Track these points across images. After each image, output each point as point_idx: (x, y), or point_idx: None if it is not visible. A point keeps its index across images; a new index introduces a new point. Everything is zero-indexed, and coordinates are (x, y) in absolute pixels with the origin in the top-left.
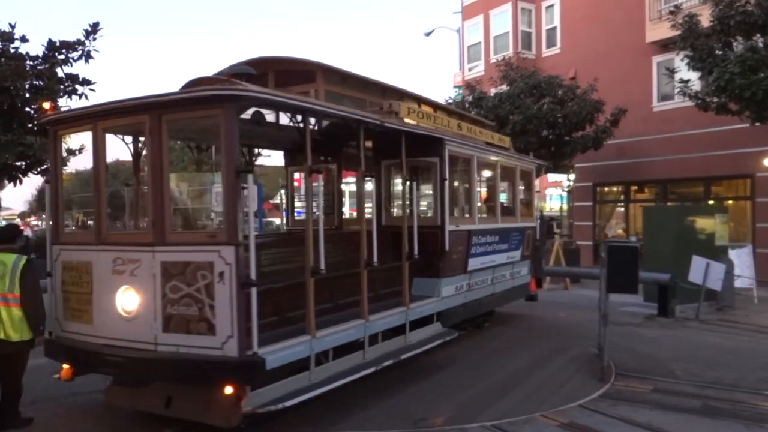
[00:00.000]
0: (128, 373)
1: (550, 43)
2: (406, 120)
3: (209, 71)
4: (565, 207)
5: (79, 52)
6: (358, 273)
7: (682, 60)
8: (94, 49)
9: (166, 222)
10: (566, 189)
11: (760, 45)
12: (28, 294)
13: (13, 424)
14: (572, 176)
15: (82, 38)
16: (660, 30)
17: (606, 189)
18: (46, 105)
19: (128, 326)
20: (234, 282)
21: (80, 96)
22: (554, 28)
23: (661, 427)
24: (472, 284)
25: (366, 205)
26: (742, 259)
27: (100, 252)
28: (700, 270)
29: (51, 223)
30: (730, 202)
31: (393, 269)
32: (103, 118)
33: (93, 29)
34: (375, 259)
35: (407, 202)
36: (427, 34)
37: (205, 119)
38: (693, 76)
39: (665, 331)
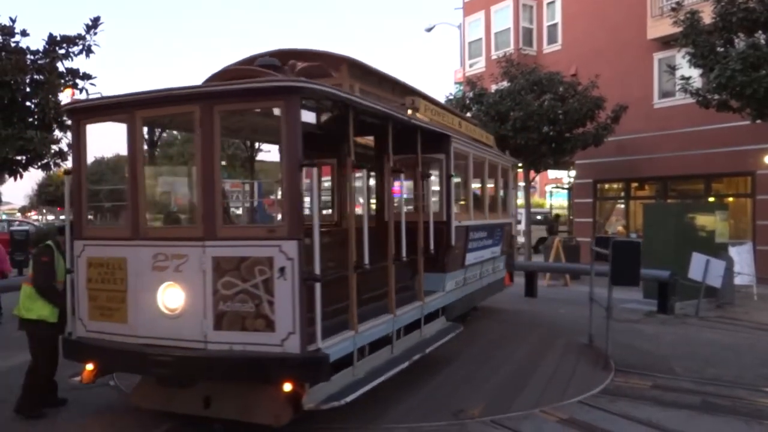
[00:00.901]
0: (177, 373)
1: (552, 40)
2: (420, 116)
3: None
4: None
5: (80, 47)
6: (376, 268)
7: (683, 57)
8: (95, 44)
9: (217, 216)
10: (567, 186)
11: (762, 42)
12: (33, 272)
13: (23, 412)
14: (573, 173)
15: (83, 33)
16: (661, 27)
17: (606, 186)
18: (68, 92)
19: (172, 324)
20: (296, 277)
21: (80, 90)
22: (555, 25)
23: (661, 423)
24: (467, 279)
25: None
26: (742, 257)
27: (138, 247)
28: (700, 267)
29: (73, 217)
30: (731, 199)
31: (404, 265)
32: (143, 108)
33: (94, 24)
34: (404, 254)
35: (420, 198)
36: (428, 30)
37: (261, 111)
38: (694, 73)
39: (665, 327)
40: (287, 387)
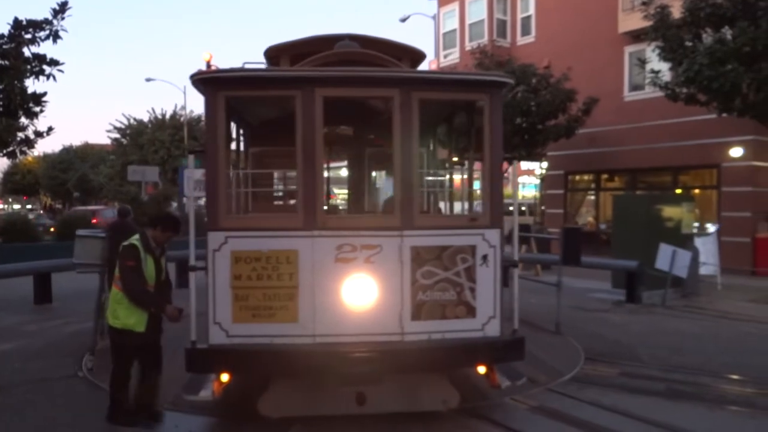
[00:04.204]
0: (378, 369)
1: (525, 32)
2: None
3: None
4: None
5: (47, 32)
6: None
7: (653, 50)
8: (63, 29)
9: (415, 205)
10: (539, 177)
11: (729, 37)
12: (120, 276)
13: (118, 422)
14: (545, 164)
15: (50, 17)
16: (632, 20)
17: (577, 177)
18: (206, 55)
19: (362, 319)
20: (498, 264)
21: (48, 77)
22: (529, 17)
23: (628, 409)
24: None
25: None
26: (707, 247)
27: (316, 238)
28: (666, 257)
29: (207, 204)
30: (697, 191)
31: None
32: (327, 86)
33: (61, 8)
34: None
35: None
36: (403, 20)
37: (457, 102)
38: (663, 67)
39: (633, 316)
40: (481, 370)
